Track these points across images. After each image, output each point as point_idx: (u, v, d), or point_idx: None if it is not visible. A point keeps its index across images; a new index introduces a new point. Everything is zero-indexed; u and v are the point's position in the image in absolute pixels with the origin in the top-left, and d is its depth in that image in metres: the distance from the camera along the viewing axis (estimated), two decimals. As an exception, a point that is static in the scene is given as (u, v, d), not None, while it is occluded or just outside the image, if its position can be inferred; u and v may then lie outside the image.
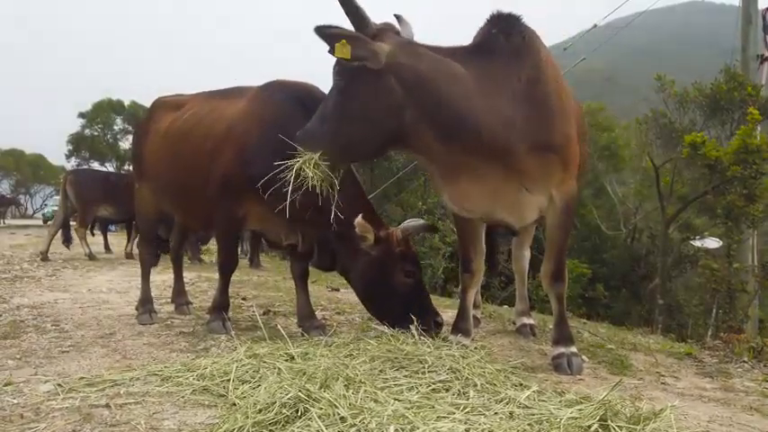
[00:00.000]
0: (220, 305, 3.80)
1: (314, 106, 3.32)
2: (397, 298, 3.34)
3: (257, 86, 3.81)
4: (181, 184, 3.93)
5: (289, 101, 3.52)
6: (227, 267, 3.81)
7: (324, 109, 2.88)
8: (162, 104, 4.40)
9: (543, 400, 2.14)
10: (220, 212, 3.65)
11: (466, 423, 1.87)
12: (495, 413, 1.98)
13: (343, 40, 2.66)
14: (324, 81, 3.17)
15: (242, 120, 3.57)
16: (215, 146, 3.60)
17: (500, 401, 2.11)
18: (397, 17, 3.07)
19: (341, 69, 2.78)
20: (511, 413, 1.99)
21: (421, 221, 3.89)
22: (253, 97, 3.69)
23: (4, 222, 29.39)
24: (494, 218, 3.15)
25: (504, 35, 2.89)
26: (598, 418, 1.81)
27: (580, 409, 1.95)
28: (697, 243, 12.44)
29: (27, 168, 49.53)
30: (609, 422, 1.79)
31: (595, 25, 13.97)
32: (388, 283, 3.36)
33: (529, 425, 1.86)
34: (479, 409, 2.02)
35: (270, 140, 3.30)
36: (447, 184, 3.02)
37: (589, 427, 1.78)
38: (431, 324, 3.25)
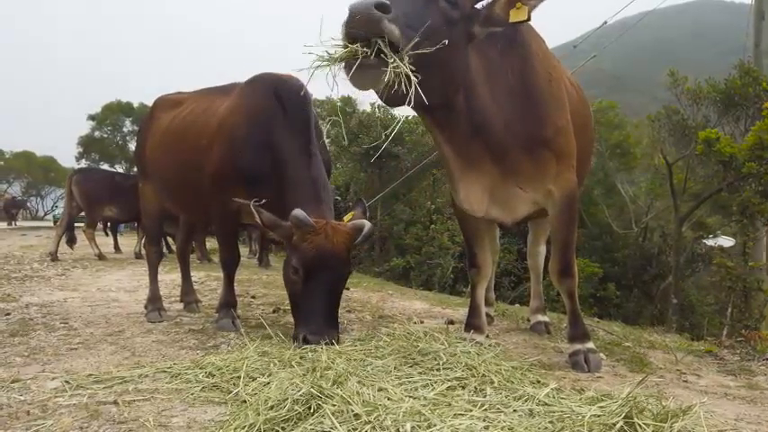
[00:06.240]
0: (227, 302, 3.77)
1: (287, 96, 3.41)
2: (290, 296, 3.19)
3: (244, 81, 3.82)
4: (180, 181, 3.95)
5: (267, 93, 3.54)
6: (229, 263, 3.80)
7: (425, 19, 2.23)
8: (162, 103, 4.43)
9: (563, 398, 2.06)
10: (216, 207, 3.66)
11: (484, 420, 1.80)
12: (515, 410, 1.91)
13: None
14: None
15: (229, 114, 3.61)
16: (209, 142, 3.63)
17: (518, 399, 2.04)
18: None
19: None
20: (531, 411, 1.92)
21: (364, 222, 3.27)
22: (239, 92, 3.72)
23: (15, 224, 29.58)
24: (489, 216, 3.00)
25: None
26: (623, 415, 1.73)
27: (602, 407, 1.87)
28: (710, 242, 12.28)
29: (38, 170, 49.74)
30: (635, 419, 1.71)
31: (605, 22, 13.85)
32: (284, 277, 3.21)
33: (550, 422, 1.79)
34: (498, 406, 1.95)
35: (253, 133, 3.43)
36: (460, 181, 2.84)
37: (614, 424, 1.70)
38: (298, 335, 2.95)
